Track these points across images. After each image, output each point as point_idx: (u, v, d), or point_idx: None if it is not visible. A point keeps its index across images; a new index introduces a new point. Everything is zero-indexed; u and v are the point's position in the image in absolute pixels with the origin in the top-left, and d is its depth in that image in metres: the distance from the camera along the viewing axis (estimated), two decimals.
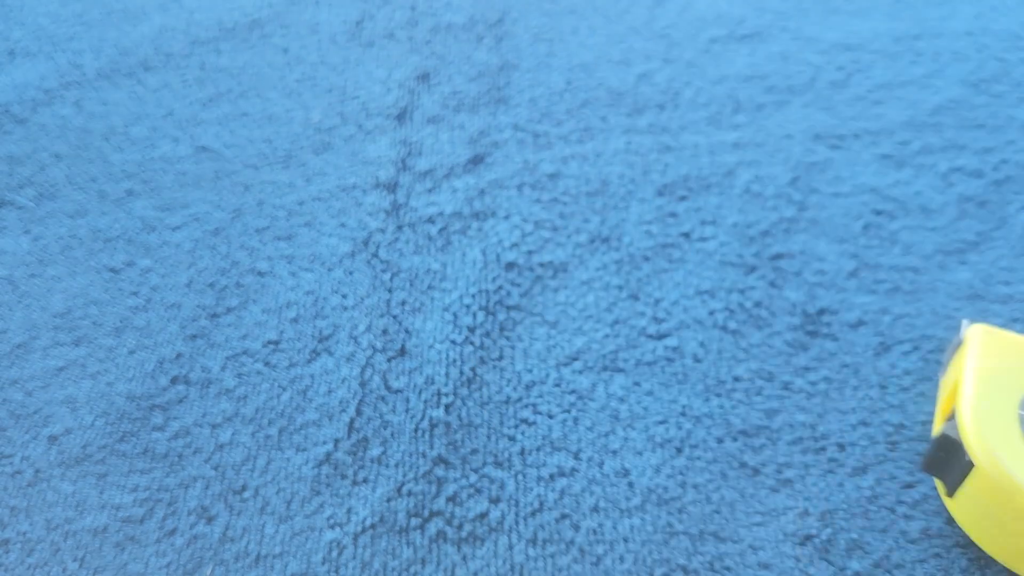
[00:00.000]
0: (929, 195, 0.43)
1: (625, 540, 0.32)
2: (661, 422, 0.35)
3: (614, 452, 0.34)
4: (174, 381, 0.37)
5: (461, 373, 0.37)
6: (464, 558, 0.31)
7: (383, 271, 0.41)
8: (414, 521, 0.32)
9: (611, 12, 0.54)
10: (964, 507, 0.30)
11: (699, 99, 0.48)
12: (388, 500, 0.33)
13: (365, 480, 0.33)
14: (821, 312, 0.39)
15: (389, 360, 0.37)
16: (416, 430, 0.35)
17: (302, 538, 0.32)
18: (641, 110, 0.48)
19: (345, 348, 0.38)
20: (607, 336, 0.38)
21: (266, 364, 0.37)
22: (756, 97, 0.48)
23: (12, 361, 0.37)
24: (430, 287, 0.40)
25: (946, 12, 0.53)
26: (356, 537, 0.32)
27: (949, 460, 0.30)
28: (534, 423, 0.35)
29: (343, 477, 0.33)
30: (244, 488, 0.33)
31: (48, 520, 0.32)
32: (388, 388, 0.36)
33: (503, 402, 0.36)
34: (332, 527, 0.32)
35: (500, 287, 0.40)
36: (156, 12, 0.55)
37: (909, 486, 0.33)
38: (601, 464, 0.34)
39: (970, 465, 0.29)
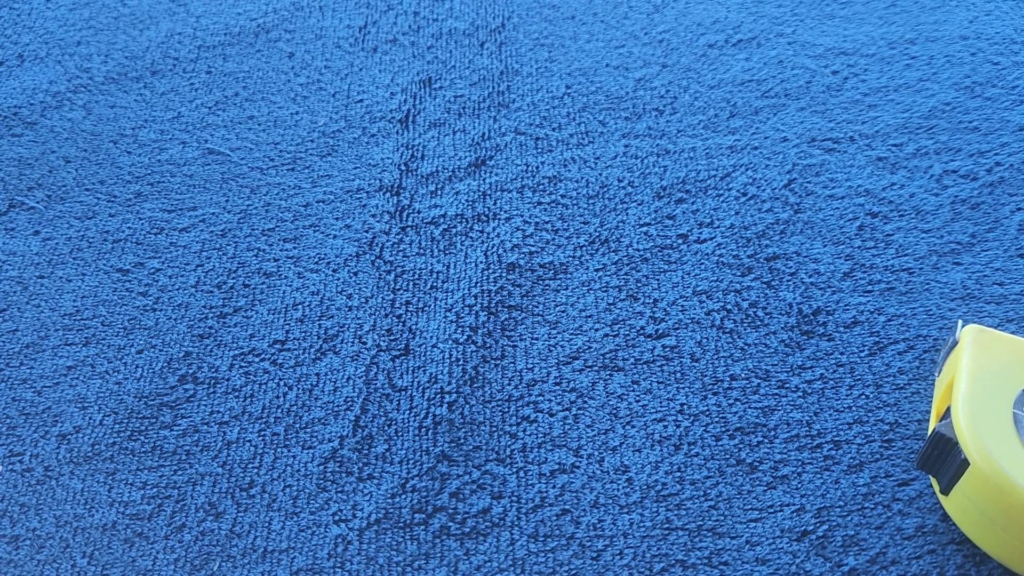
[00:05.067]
0: (923, 197, 0.44)
1: (624, 535, 0.32)
2: (659, 420, 0.36)
3: (613, 449, 0.35)
4: (182, 380, 0.37)
5: (464, 372, 0.37)
6: (467, 553, 0.32)
7: (387, 272, 0.41)
8: (418, 517, 0.33)
9: (610, 18, 0.55)
10: (959, 504, 0.31)
11: (696, 104, 0.49)
12: (392, 496, 0.33)
13: (370, 476, 0.34)
14: (816, 312, 0.39)
15: (393, 359, 0.38)
16: (420, 427, 0.35)
17: (308, 533, 0.32)
18: (639, 114, 0.49)
19: (350, 347, 0.38)
20: (606, 335, 0.39)
21: (273, 363, 0.38)
22: (752, 101, 0.49)
23: (22, 360, 0.38)
24: (433, 288, 0.41)
25: (940, 17, 0.54)
26: (361, 532, 0.32)
27: (944, 458, 0.31)
28: (535, 421, 0.36)
29: (348, 474, 0.34)
30: (251, 485, 0.34)
31: (57, 517, 0.33)
32: (392, 386, 0.37)
33: (505, 400, 0.36)
34: (338, 523, 0.33)
35: (502, 287, 0.40)
36: (164, 18, 0.56)
37: (904, 483, 0.33)
38: (601, 461, 0.34)
39: (965, 463, 0.29)
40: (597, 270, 0.41)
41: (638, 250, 0.42)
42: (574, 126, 0.48)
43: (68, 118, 0.49)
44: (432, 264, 0.42)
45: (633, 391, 0.36)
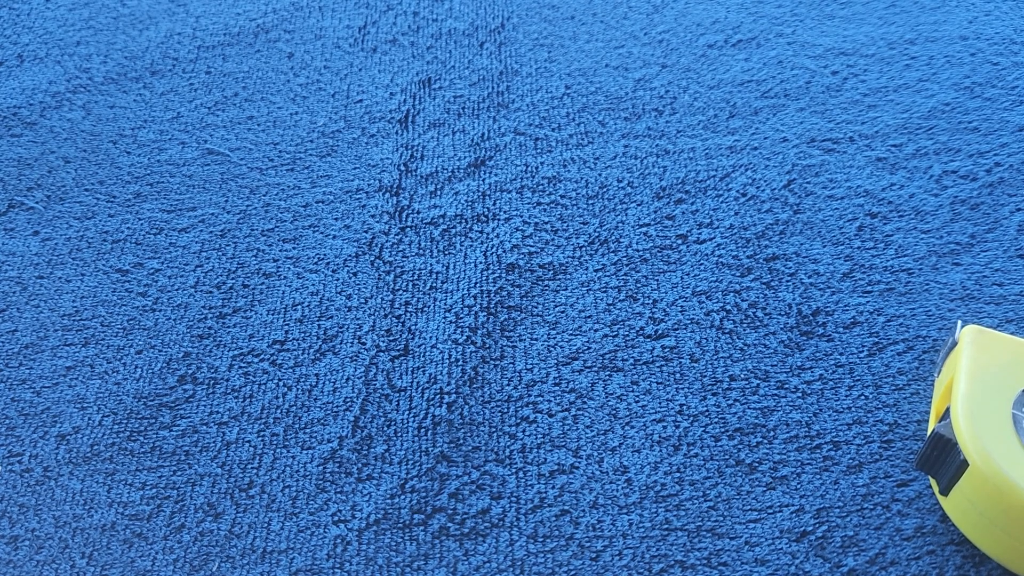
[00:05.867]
0: (922, 198, 0.44)
1: (624, 536, 0.32)
2: (659, 420, 0.36)
3: (613, 450, 0.35)
4: (181, 380, 0.37)
5: (463, 372, 0.37)
6: (466, 553, 0.32)
7: (387, 272, 0.41)
8: (417, 517, 0.33)
9: (610, 18, 0.55)
10: (958, 505, 0.31)
11: (696, 104, 0.49)
12: (392, 497, 0.33)
13: (369, 477, 0.34)
14: (816, 313, 0.39)
15: (393, 359, 0.38)
16: (419, 428, 0.35)
17: (307, 534, 0.32)
18: (639, 115, 0.49)
19: (350, 348, 0.38)
20: (606, 336, 0.39)
21: (272, 363, 0.38)
22: (752, 102, 0.49)
23: (21, 361, 0.38)
24: (432, 288, 0.41)
25: (940, 17, 0.54)
26: (360, 533, 0.32)
27: (943, 459, 0.31)
28: (534, 421, 0.36)
29: (348, 474, 0.34)
30: (251, 485, 0.34)
31: (57, 517, 0.33)
32: (392, 387, 0.37)
33: (504, 400, 0.36)
34: (337, 523, 0.33)
35: (501, 288, 0.40)
36: (163, 18, 0.56)
37: (903, 484, 0.33)
38: (600, 461, 0.34)
39: (964, 464, 0.29)
40: (596, 271, 0.41)
41: (637, 251, 0.42)
42: (573, 126, 0.48)
43: (67, 118, 0.49)
44: (431, 264, 0.42)
45: (632, 392, 0.36)
